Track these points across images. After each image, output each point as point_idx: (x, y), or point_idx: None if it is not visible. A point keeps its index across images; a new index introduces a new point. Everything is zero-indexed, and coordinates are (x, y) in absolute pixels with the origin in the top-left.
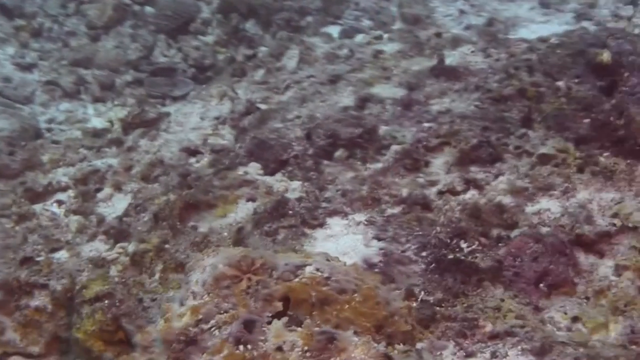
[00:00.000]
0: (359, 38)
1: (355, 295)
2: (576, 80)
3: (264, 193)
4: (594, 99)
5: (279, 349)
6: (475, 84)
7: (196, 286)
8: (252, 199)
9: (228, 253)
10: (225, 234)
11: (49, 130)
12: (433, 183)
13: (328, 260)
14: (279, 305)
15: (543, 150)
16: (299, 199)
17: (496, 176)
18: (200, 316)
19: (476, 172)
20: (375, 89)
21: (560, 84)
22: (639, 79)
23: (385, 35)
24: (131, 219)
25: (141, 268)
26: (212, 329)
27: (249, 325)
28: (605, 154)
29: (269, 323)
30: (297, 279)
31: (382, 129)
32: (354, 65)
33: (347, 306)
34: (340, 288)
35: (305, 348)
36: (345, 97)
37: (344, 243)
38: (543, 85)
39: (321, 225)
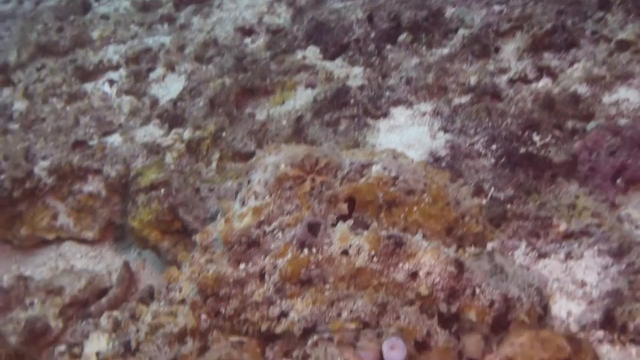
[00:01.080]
0: None
1: (424, 195)
2: None
3: (324, 79)
4: None
5: (345, 252)
6: None
7: (258, 186)
8: (311, 86)
9: (291, 151)
10: (284, 122)
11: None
12: (503, 70)
13: (395, 157)
14: (344, 207)
15: (622, 35)
16: (361, 87)
17: (571, 63)
18: (263, 217)
19: (550, 59)
20: None
21: None
22: None
23: None
24: (186, 103)
25: (197, 156)
26: (275, 231)
27: (313, 228)
28: None
29: (334, 226)
30: (363, 179)
31: (449, 12)
32: None
33: (415, 208)
34: (409, 188)
35: (372, 252)
36: None
37: (408, 135)
38: None
39: (384, 115)
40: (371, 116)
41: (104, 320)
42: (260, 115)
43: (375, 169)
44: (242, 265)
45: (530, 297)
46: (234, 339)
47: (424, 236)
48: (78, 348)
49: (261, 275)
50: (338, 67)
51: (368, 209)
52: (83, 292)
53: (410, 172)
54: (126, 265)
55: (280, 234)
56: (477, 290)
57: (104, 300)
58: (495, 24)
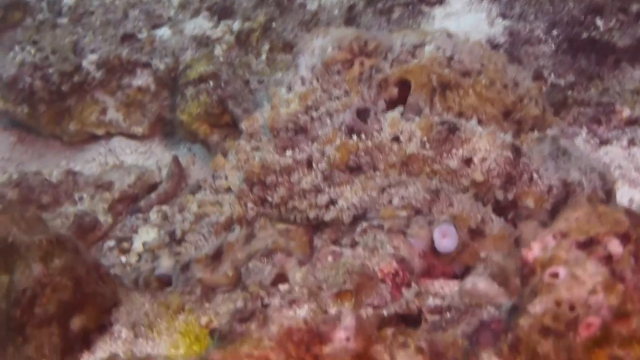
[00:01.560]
0: None
1: (481, 77)
2: None
3: None
4: None
5: (396, 139)
6: None
7: (305, 70)
8: None
9: (338, 34)
10: (336, 12)
11: None
12: None
13: (450, 36)
14: (394, 92)
15: None
16: None
17: None
18: (310, 103)
19: None
20: None
21: None
22: None
23: None
24: None
25: (247, 48)
26: (323, 117)
27: (362, 113)
28: None
29: (385, 112)
30: (415, 61)
31: None
32: None
33: (471, 91)
34: (464, 70)
35: (425, 139)
36: None
37: (465, 22)
38: None
39: (440, 2)
40: (426, 3)
41: (153, 215)
42: (312, 5)
43: (428, 49)
44: (289, 152)
45: (592, 181)
46: (281, 226)
47: (479, 121)
48: (127, 243)
49: (309, 163)
50: None
51: (421, 92)
52: (132, 187)
53: (466, 52)
54: (176, 160)
55: (328, 120)
56: (535, 176)
57: (153, 195)
58: None
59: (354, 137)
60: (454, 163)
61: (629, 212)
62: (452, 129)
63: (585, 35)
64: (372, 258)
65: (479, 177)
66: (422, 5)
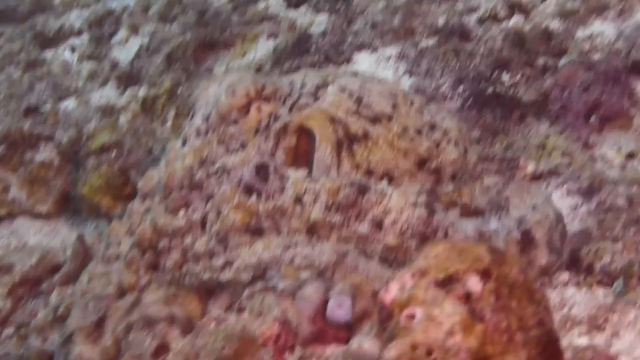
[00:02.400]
0: None
1: (392, 123)
2: None
3: (287, 29)
4: None
5: (299, 201)
6: None
7: (200, 121)
8: (273, 36)
9: (234, 79)
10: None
11: None
12: (473, 9)
13: (356, 76)
14: (293, 141)
15: None
16: (324, 34)
17: None
18: (205, 157)
19: None
20: None
21: None
22: None
23: None
24: (143, 61)
25: (153, 115)
26: (220, 172)
27: (262, 170)
28: None
29: (285, 164)
30: (316, 105)
31: None
32: None
33: (381, 141)
34: (374, 115)
35: (331, 202)
36: None
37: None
38: None
39: (348, 61)
40: (333, 63)
41: (54, 298)
42: (219, 69)
43: (332, 90)
44: (182, 213)
45: (510, 229)
46: (171, 293)
47: (391, 177)
48: (27, 329)
49: (203, 224)
50: (302, 16)
51: (327, 146)
52: (35, 269)
53: (375, 94)
54: (80, 239)
55: (225, 177)
56: (451, 231)
57: (56, 277)
58: None
59: (254, 197)
60: (364, 228)
61: (491, 249)
62: (362, 191)
63: (491, 90)
64: (255, 322)
65: (392, 241)
66: (329, 65)
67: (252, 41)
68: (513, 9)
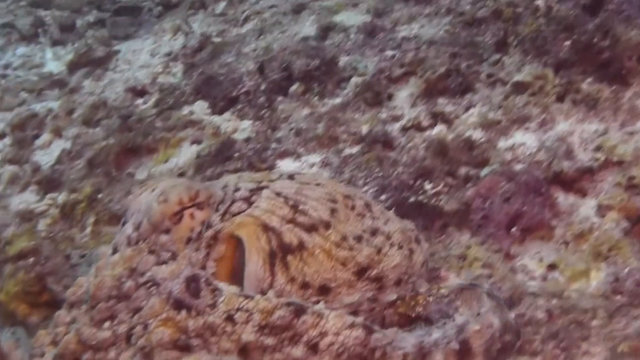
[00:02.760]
0: None
1: (330, 232)
2: None
3: (211, 135)
4: (576, 18)
5: (230, 319)
6: (447, 7)
7: (131, 229)
8: (197, 142)
9: (166, 185)
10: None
11: (3, 76)
12: (396, 118)
13: (292, 178)
14: (222, 250)
15: (518, 77)
16: (247, 140)
17: (466, 108)
18: (135, 266)
19: (444, 105)
20: (339, 16)
21: (540, 2)
22: None
23: None
24: (64, 166)
25: (72, 221)
26: (149, 284)
27: (193, 283)
28: (588, 80)
29: (215, 276)
30: (248, 212)
31: (343, 60)
32: None
33: (317, 251)
34: (310, 223)
35: (264, 323)
36: (307, 27)
37: None
38: (520, 5)
39: (271, 168)
40: (256, 169)
41: None
42: (141, 175)
43: (266, 194)
44: (107, 324)
45: (450, 339)
46: None
47: (329, 289)
48: None
49: (128, 337)
50: (226, 121)
51: (258, 259)
52: None
53: (312, 198)
54: None
55: (154, 289)
56: (389, 349)
57: None
58: (387, 70)
59: (183, 312)
60: (298, 351)
61: None
62: (297, 313)
63: (413, 199)
64: None
65: None
66: (251, 172)
67: (175, 146)
68: (436, 119)
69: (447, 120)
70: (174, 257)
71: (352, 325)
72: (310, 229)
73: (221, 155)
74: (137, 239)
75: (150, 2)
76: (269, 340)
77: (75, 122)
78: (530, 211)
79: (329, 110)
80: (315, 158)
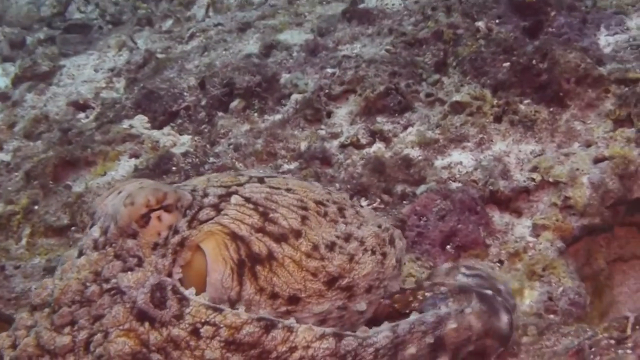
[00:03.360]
0: None
1: (300, 241)
2: (497, 21)
3: (150, 148)
4: (515, 40)
5: (195, 332)
6: (389, 27)
7: (97, 232)
8: (135, 155)
9: (134, 187)
10: (102, 193)
11: None
12: (335, 135)
13: (262, 182)
14: (188, 256)
15: (457, 97)
16: (185, 154)
17: (405, 127)
18: (99, 271)
19: (383, 123)
20: (283, 35)
21: (480, 24)
22: (567, 19)
23: None
24: (2, 178)
25: (7, 233)
26: (113, 291)
27: (158, 293)
28: (525, 101)
29: (182, 284)
30: (217, 218)
31: (284, 77)
32: (266, 12)
33: (287, 262)
34: (280, 232)
35: (231, 339)
36: (251, 45)
37: None
38: (461, 26)
39: None
40: None
41: None
42: (78, 187)
43: (236, 200)
44: (67, 329)
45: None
46: None
47: (299, 299)
48: None
49: (87, 344)
50: (165, 136)
51: (225, 268)
52: None
53: (284, 205)
54: None
55: (119, 297)
56: (360, 350)
57: None
58: (327, 87)
59: (146, 324)
60: None
61: None
62: (268, 328)
63: None
64: None
65: None
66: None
67: (113, 160)
68: (374, 136)
69: (386, 138)
70: (140, 263)
71: (322, 337)
72: (280, 238)
73: (159, 169)
74: (104, 243)
75: (101, 20)
76: (235, 358)
77: (16, 135)
78: (465, 229)
79: (269, 127)
80: (254, 173)
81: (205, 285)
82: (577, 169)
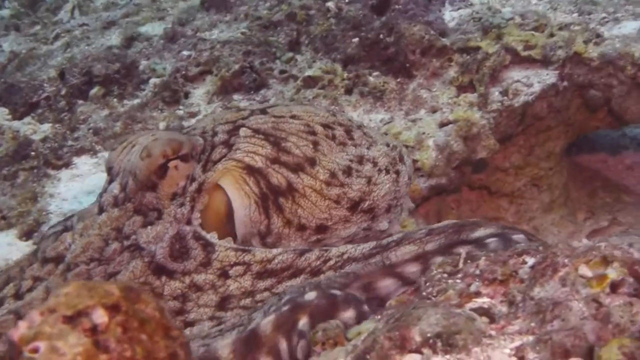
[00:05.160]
0: None
1: (316, 169)
2: (347, 1)
3: (10, 138)
4: (364, 18)
5: (224, 274)
6: (245, 13)
7: (117, 189)
8: None
9: (147, 141)
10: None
11: None
12: (193, 115)
13: (265, 113)
14: (206, 200)
15: (309, 72)
16: (44, 140)
17: (261, 103)
18: (121, 227)
19: (239, 101)
20: (144, 28)
21: (331, 4)
22: None
23: None
24: None
25: None
26: (133, 248)
27: (178, 242)
28: (374, 74)
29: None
30: (231, 154)
31: (143, 64)
32: (130, 10)
33: (309, 192)
34: (296, 162)
35: (262, 271)
36: (113, 39)
37: (90, 182)
38: (313, 7)
39: (67, 165)
40: (52, 167)
41: None
42: None
43: (244, 133)
44: None
45: None
46: None
47: (326, 227)
48: None
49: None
50: (25, 125)
51: (249, 203)
52: None
53: (292, 132)
54: None
55: (137, 253)
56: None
57: None
58: (184, 69)
59: (163, 277)
60: (297, 280)
61: (123, 287)
62: (301, 253)
63: None
64: None
65: None
66: (47, 169)
67: None
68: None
69: None
70: (159, 216)
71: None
72: (297, 168)
73: (17, 155)
74: (123, 199)
75: None
76: (265, 282)
77: None
78: None
79: (128, 110)
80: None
81: (225, 226)
82: (424, 133)
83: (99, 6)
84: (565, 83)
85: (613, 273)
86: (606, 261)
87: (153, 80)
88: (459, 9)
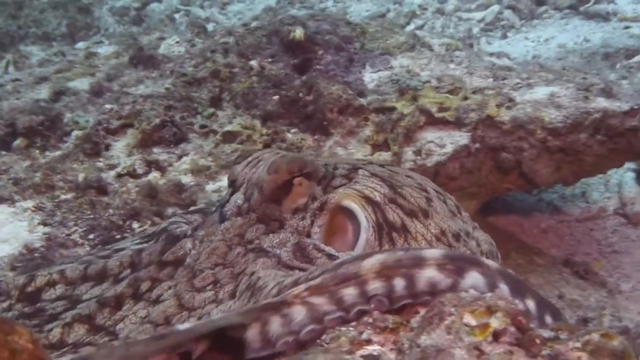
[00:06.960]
0: (79, 45)
1: (429, 222)
2: (270, 60)
3: None
4: (285, 77)
5: None
6: (171, 69)
7: (241, 199)
8: None
9: (275, 158)
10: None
11: None
12: (112, 167)
13: (382, 166)
14: (326, 218)
15: (229, 127)
16: None
17: (180, 157)
18: (244, 234)
19: (159, 154)
20: (74, 82)
21: (254, 63)
22: (334, 57)
23: (107, 42)
24: None
25: None
26: (257, 250)
27: (299, 251)
28: (292, 130)
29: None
30: (351, 185)
31: (67, 116)
32: (63, 66)
33: (420, 238)
34: (409, 209)
35: None
36: (42, 93)
37: (6, 231)
38: (237, 65)
39: None
40: None
41: None
42: None
43: (364, 173)
44: (209, 287)
45: None
46: None
47: None
48: None
49: (232, 295)
50: None
51: (368, 225)
52: None
53: (406, 184)
54: None
55: (262, 254)
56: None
57: None
58: (105, 122)
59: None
60: None
61: None
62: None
63: (119, 237)
64: None
65: None
66: None
67: None
68: (150, 166)
69: (161, 167)
70: (281, 226)
71: None
72: (411, 214)
73: None
74: (247, 209)
75: None
76: None
77: None
78: None
79: (48, 162)
80: (29, 203)
81: (340, 246)
82: None
83: (34, 62)
84: (477, 145)
85: (496, 322)
86: (490, 311)
87: (75, 133)
88: (378, 70)
